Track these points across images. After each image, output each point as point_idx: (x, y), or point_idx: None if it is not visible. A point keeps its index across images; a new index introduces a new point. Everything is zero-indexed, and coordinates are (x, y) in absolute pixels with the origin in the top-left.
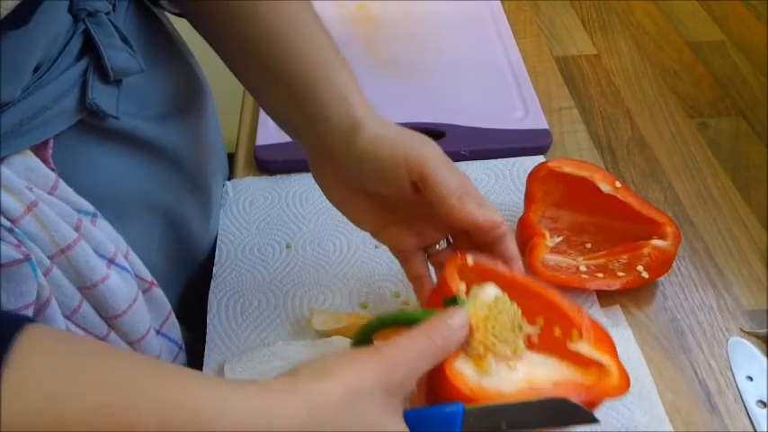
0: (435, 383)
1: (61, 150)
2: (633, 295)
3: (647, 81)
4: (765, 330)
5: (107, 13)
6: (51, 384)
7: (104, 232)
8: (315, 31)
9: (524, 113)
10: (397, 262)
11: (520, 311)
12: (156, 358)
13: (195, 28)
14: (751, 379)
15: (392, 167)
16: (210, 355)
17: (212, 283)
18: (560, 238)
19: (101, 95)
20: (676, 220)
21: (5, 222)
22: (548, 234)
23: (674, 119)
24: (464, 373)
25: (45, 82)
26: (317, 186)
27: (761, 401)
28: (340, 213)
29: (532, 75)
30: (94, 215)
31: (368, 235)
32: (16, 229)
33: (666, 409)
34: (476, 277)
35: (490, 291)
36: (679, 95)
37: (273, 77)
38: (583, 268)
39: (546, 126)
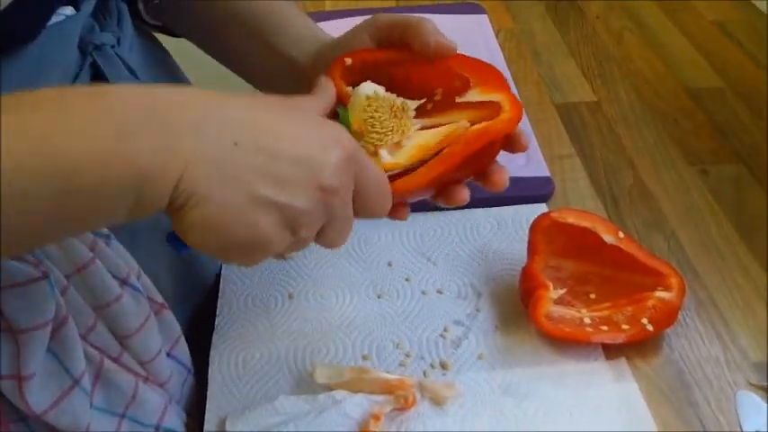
0: None
1: None
2: (639, 347)
3: (648, 128)
4: None
5: (112, 46)
6: None
7: (117, 253)
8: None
9: (526, 161)
10: (399, 313)
11: (397, 99)
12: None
13: (181, 30)
14: None
15: (351, 35)
16: (212, 410)
17: (214, 336)
18: (564, 290)
19: None
20: (680, 268)
21: None
22: (551, 285)
23: (675, 166)
24: None
25: None
26: None
27: None
28: (342, 263)
29: (533, 122)
30: (108, 237)
31: (370, 285)
32: None
33: None
34: (366, 73)
35: (363, 90)
36: (679, 143)
37: (251, 33)
38: (587, 320)
39: (548, 174)
